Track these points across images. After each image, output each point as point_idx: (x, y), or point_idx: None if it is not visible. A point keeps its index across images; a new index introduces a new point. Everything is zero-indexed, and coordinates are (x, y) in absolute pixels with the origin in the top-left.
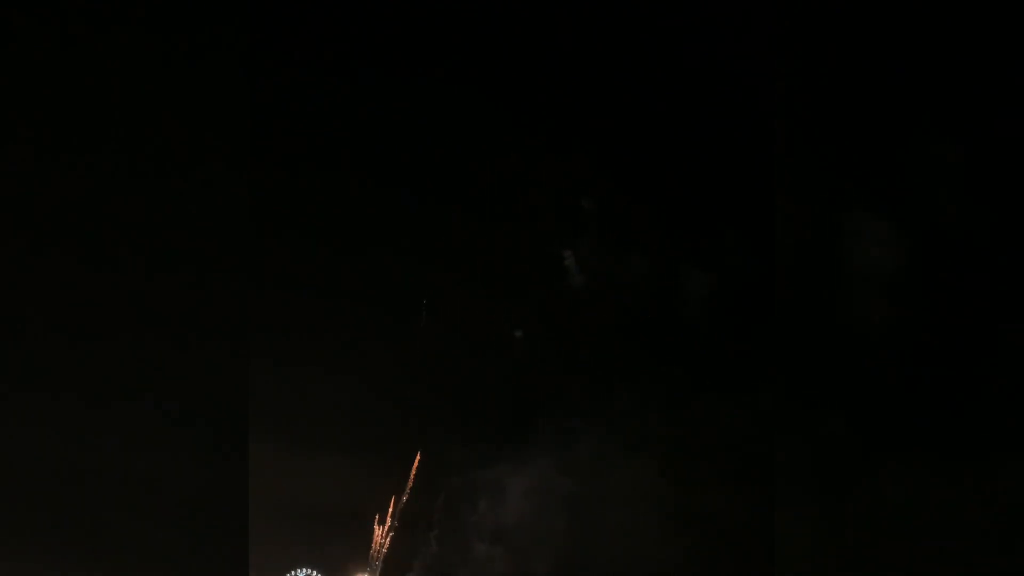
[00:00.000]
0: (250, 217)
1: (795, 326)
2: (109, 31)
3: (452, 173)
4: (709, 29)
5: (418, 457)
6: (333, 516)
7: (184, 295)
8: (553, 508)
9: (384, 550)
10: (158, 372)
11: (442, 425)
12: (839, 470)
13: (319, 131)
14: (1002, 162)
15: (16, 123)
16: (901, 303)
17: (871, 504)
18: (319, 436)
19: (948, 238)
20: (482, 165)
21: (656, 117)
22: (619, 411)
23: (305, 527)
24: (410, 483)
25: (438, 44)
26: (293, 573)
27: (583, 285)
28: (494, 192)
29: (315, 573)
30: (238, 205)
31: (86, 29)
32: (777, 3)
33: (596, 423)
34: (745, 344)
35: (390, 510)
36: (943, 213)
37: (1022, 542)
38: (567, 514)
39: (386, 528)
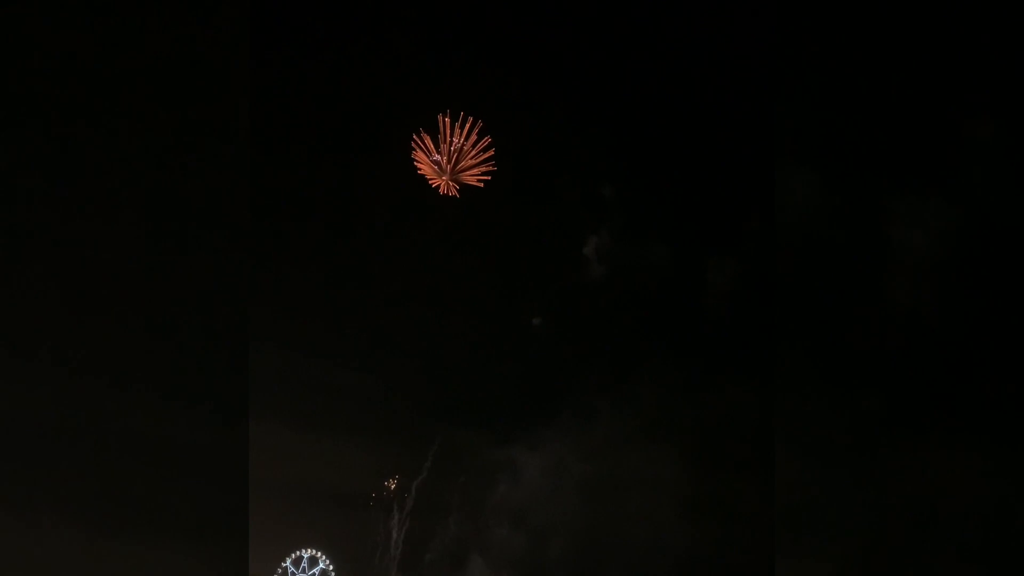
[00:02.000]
0: (265, 199)
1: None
2: (108, 24)
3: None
4: (730, 17)
5: (435, 443)
6: (348, 499)
7: (187, 279)
8: (570, 492)
9: (403, 533)
10: (161, 355)
11: (461, 411)
12: (851, 456)
13: (330, 113)
14: None
15: (16, 115)
16: (919, 288)
17: (883, 491)
18: (335, 421)
19: (975, 222)
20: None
21: (677, 105)
22: (638, 397)
23: (318, 510)
24: (428, 467)
25: (462, 35)
26: (297, 553)
27: (603, 273)
28: (515, 181)
29: (318, 553)
30: (244, 188)
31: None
32: None
33: (614, 409)
34: (764, 331)
35: (408, 494)
36: (971, 194)
37: None
38: (584, 498)
39: (405, 511)
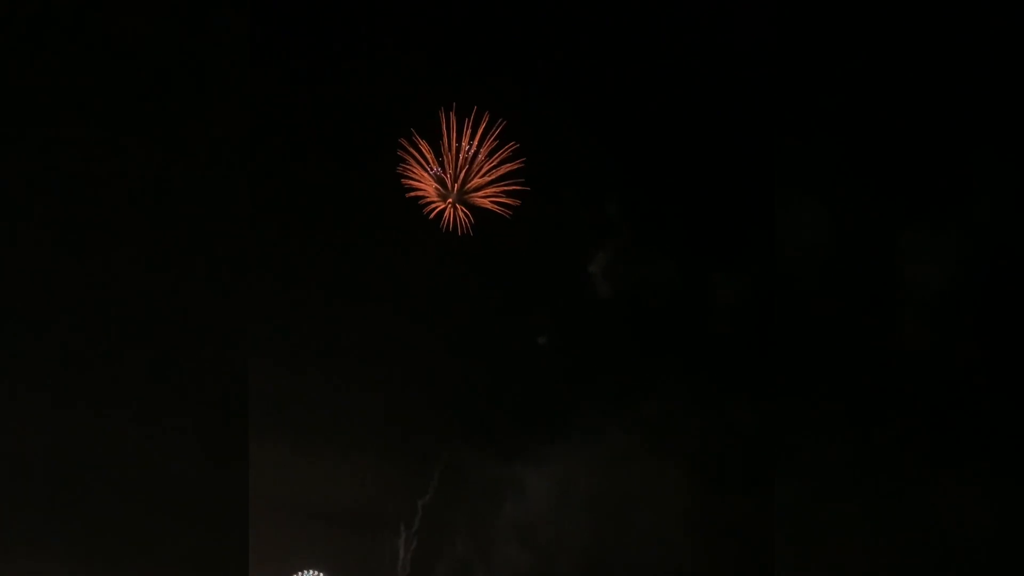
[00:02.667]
0: (264, 211)
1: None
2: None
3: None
4: (740, 36)
5: (441, 461)
6: (353, 519)
7: (183, 291)
8: (577, 511)
9: (410, 553)
10: (157, 372)
11: (467, 429)
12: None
13: (330, 121)
14: None
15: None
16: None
17: (889, 515)
18: (338, 439)
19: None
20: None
21: (685, 122)
22: (644, 416)
23: (323, 531)
24: (433, 486)
25: (463, 40)
26: (301, 574)
27: (609, 291)
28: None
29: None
30: (243, 199)
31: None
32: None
33: (621, 426)
34: (770, 349)
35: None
36: (981, 220)
37: None
38: (591, 517)
39: (412, 530)
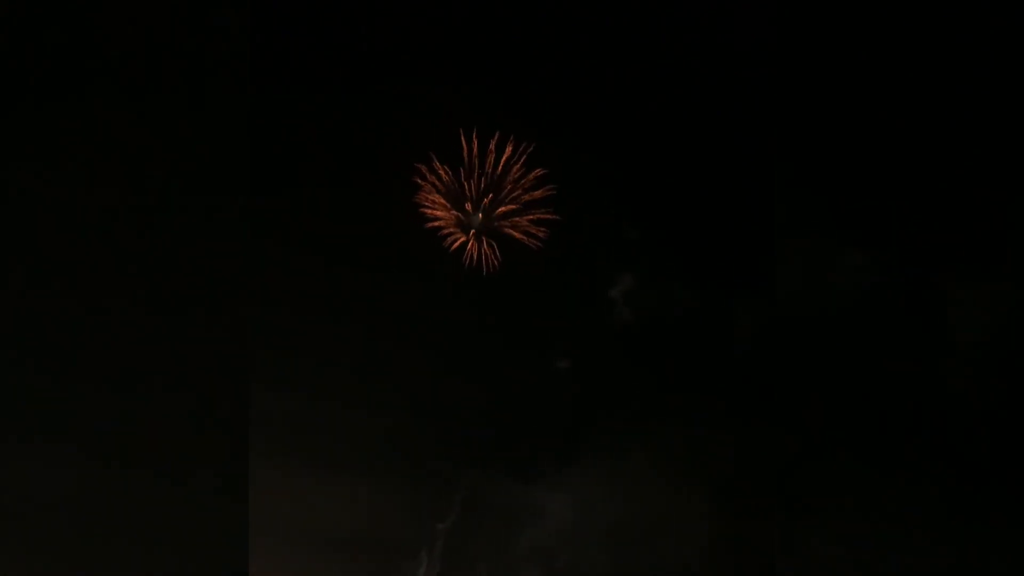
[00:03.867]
0: (273, 226)
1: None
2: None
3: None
4: (776, 63)
5: (462, 486)
6: (372, 546)
7: (184, 304)
8: (599, 536)
9: None
10: (157, 385)
11: (486, 454)
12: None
13: (336, 126)
14: None
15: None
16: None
17: (916, 556)
18: (357, 466)
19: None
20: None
21: (705, 146)
22: (667, 443)
23: (339, 557)
24: (455, 511)
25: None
26: None
27: (629, 316)
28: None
29: None
30: (243, 213)
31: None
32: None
33: (643, 453)
34: (794, 375)
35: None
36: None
37: None
38: (613, 542)
39: (434, 556)
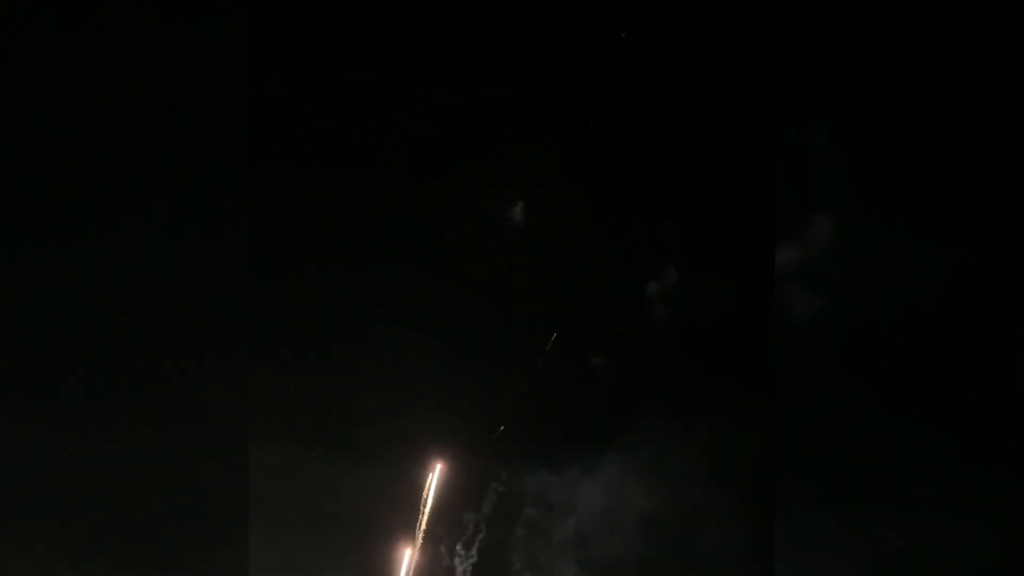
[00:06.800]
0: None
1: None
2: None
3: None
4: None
5: (498, 479)
6: (411, 536)
7: (184, 298)
8: (634, 529)
9: (467, 570)
10: (157, 377)
11: (522, 447)
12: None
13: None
14: None
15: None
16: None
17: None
18: (392, 458)
19: None
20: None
21: (738, 144)
22: (702, 439)
23: (383, 546)
24: (490, 503)
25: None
26: None
27: (665, 312)
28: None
29: None
30: (244, 199)
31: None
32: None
33: (680, 450)
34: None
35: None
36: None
37: None
38: (649, 535)
39: (471, 548)
